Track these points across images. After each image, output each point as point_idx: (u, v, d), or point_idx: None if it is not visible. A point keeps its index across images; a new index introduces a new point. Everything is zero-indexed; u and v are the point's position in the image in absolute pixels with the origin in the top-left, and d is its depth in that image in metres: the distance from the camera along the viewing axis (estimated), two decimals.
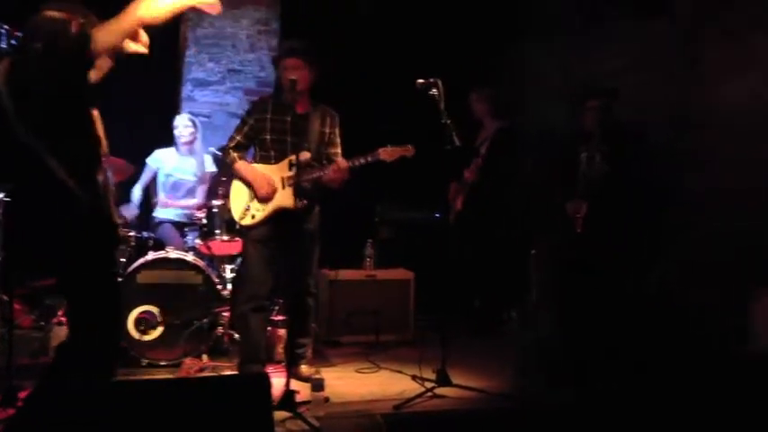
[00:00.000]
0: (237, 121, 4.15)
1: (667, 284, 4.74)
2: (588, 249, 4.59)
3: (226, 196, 4.70)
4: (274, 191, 3.97)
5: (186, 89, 6.03)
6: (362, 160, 3.95)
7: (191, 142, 5.26)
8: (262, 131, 4.02)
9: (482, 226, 5.49)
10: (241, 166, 4.04)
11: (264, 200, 3.98)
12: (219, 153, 5.31)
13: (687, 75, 4.89)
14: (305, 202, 3.91)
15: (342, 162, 3.97)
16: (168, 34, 5.97)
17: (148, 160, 5.26)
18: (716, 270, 4.53)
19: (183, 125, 5.23)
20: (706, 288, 4.56)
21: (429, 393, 3.80)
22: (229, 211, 4.54)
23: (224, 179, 4.89)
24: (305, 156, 3.94)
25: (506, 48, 6.54)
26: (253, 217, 4.01)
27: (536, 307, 5.33)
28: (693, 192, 4.75)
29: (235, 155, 4.05)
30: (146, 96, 5.74)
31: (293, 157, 3.72)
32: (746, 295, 4.19)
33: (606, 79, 5.26)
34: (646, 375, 3.91)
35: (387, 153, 3.92)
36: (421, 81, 3.95)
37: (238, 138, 4.07)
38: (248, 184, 4.03)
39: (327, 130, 4.13)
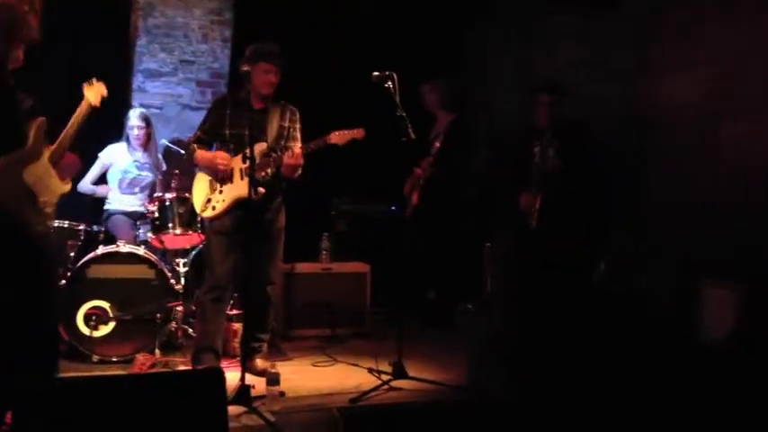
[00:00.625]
0: (190, 113, 4.16)
1: (617, 276, 4.83)
2: (542, 243, 4.64)
3: (179, 189, 4.66)
4: (230, 166, 4.04)
5: (137, 80, 5.90)
6: (314, 146, 4.00)
7: (145, 141, 5.15)
8: (221, 126, 4.10)
9: (437, 219, 5.52)
10: (199, 154, 4.15)
11: (224, 179, 4.05)
12: (171, 145, 5.25)
13: (635, 70, 4.97)
14: (262, 191, 3.95)
15: (296, 149, 4.01)
16: (118, 24, 5.85)
17: (102, 155, 5.11)
18: (665, 261, 4.63)
19: (137, 125, 5.09)
20: (656, 279, 4.65)
21: (385, 386, 3.81)
22: (184, 203, 4.53)
23: (176, 172, 4.82)
24: (261, 146, 4.01)
25: (463, 42, 6.58)
26: (213, 208, 4.08)
27: (490, 300, 5.37)
28: (643, 184, 4.84)
29: (194, 145, 4.16)
30: None
31: (248, 150, 3.71)
32: (696, 286, 4.28)
33: (558, 74, 5.32)
34: (600, 368, 3.97)
35: (338, 137, 3.96)
36: (376, 74, 3.97)
37: (199, 133, 4.21)
38: (208, 171, 4.11)
39: (287, 125, 4.17)
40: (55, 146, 3.32)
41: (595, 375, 3.85)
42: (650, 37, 4.89)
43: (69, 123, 3.49)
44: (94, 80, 3.63)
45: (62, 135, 3.41)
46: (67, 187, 3.52)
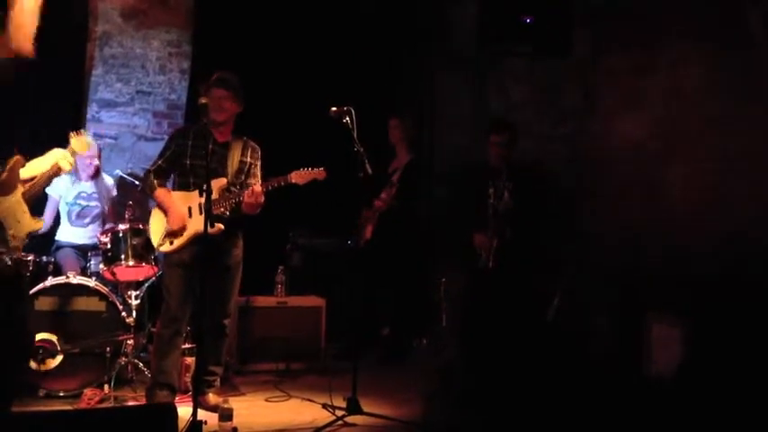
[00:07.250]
0: (145, 144, 4.12)
1: (568, 313, 4.91)
2: (497, 282, 4.70)
3: (132, 220, 4.60)
4: (184, 225, 4.02)
5: (92, 109, 5.85)
6: (275, 183, 4.01)
7: (95, 173, 5.08)
8: (182, 156, 4.08)
9: (392, 254, 5.54)
10: (160, 193, 4.12)
11: (174, 233, 4.04)
12: (126, 176, 5.20)
13: (583, 112, 5.13)
14: (221, 227, 3.93)
15: (256, 186, 4.00)
16: (74, 53, 5.80)
17: (49, 191, 4.88)
18: (614, 298, 4.73)
19: (97, 156, 5.03)
20: (605, 316, 4.75)
21: (340, 422, 3.79)
22: (138, 235, 4.47)
23: (130, 203, 4.76)
24: (221, 182, 4.03)
25: (419, 79, 6.69)
26: (171, 243, 4.06)
27: (445, 335, 5.40)
28: (589, 223, 4.96)
29: (155, 181, 4.11)
30: (46, 116, 5.51)
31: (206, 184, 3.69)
32: (643, 322, 4.38)
33: (510, 113, 5.44)
34: (551, 402, 4.02)
35: (299, 176, 3.98)
36: (334, 109, 4.03)
37: (160, 162, 4.16)
38: (165, 212, 4.08)
39: (248, 161, 4.18)
40: (30, 185, 3.30)
41: (546, 409, 3.89)
42: (597, 80, 5.05)
43: (50, 166, 3.47)
44: (82, 131, 3.70)
45: (39, 176, 3.39)
46: (39, 225, 3.48)
